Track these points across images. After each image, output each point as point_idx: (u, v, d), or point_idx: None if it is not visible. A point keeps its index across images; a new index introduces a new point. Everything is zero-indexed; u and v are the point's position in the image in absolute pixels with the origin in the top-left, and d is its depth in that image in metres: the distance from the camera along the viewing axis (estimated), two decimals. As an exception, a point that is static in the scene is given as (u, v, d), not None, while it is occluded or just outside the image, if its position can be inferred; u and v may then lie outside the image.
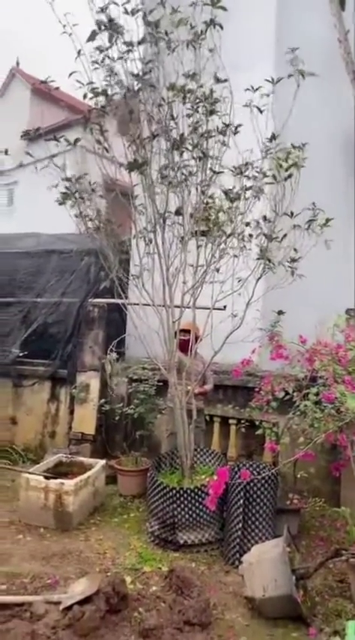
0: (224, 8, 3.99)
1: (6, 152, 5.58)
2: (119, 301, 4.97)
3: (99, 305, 6.45)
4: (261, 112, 4.20)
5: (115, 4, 4.01)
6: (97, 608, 2.90)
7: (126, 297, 4.85)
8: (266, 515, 3.93)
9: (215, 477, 3.39)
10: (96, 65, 4.15)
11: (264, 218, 4.44)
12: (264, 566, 3.16)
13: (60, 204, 4.58)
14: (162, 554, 4.01)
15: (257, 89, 4.16)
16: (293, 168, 4.16)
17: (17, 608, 3.01)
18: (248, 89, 4.19)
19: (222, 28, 4.12)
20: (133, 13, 4.10)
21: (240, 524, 3.87)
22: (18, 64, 16.82)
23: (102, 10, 3.99)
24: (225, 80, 4.21)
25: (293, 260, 4.42)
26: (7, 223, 13.57)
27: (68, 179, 4.49)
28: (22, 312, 7.29)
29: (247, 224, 4.51)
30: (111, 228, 4.75)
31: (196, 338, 4.75)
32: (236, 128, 4.33)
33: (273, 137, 4.33)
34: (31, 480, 4.59)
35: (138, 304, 4.69)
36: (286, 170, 4.18)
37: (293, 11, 6.15)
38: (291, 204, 4.29)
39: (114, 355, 4.83)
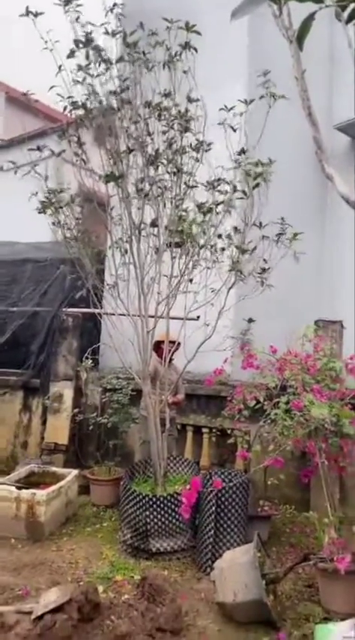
0: (198, 33, 4.15)
1: None
2: (94, 311, 5.01)
3: (73, 314, 6.45)
4: (235, 130, 4.35)
5: (94, 25, 4.13)
6: (69, 617, 2.90)
7: (102, 307, 4.89)
8: (238, 522, 4.00)
9: (188, 486, 3.45)
10: (77, 82, 4.25)
11: (235, 229, 4.58)
12: (235, 571, 3.22)
13: (39, 212, 4.62)
14: (134, 563, 4.02)
15: (231, 109, 4.31)
16: (260, 178, 4.31)
17: (-12, 619, 2.99)
18: (222, 109, 4.34)
19: (196, 51, 4.28)
20: (114, 34, 4.23)
21: (212, 532, 3.92)
22: (-9, 72, 16.71)
23: (86, 35, 4.11)
24: (197, 100, 4.38)
25: (264, 270, 4.55)
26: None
27: (51, 191, 4.53)
28: (-4, 322, 7.23)
29: (219, 236, 4.64)
30: (88, 237, 4.81)
31: (178, 346, 4.87)
32: (208, 145, 4.47)
33: (243, 151, 4.48)
34: (1, 490, 4.54)
35: (113, 314, 4.74)
36: (254, 179, 4.33)
37: (265, 36, 6.38)
38: (262, 216, 4.45)
39: (89, 362, 4.85)
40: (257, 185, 4.35)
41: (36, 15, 4.00)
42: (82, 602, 3.00)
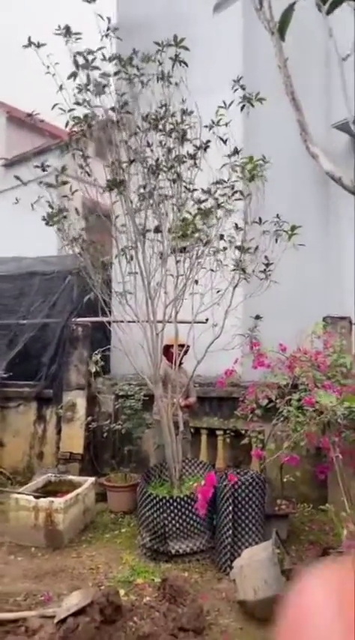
0: (186, 48, 4.29)
1: None
2: (103, 319, 5.07)
3: (83, 324, 6.52)
4: (225, 142, 4.45)
5: (92, 52, 4.30)
6: (92, 619, 2.92)
7: (111, 314, 4.96)
8: (256, 521, 4.00)
9: (203, 482, 3.48)
10: (78, 103, 4.42)
11: (236, 226, 4.63)
12: (254, 568, 3.23)
13: (46, 223, 4.72)
14: (154, 566, 4.03)
15: (218, 121, 4.45)
16: (255, 171, 4.36)
17: (12, 625, 3.02)
18: (212, 125, 4.49)
19: (187, 65, 4.45)
20: (111, 59, 4.41)
21: (230, 531, 3.93)
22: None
23: (86, 60, 4.26)
24: (192, 112, 4.52)
25: (267, 265, 4.59)
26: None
27: (60, 210, 4.65)
28: (8, 336, 7.32)
29: (221, 237, 4.69)
30: (94, 247, 4.90)
31: (187, 349, 4.91)
32: (206, 143, 4.57)
33: (236, 151, 4.55)
34: (20, 500, 4.58)
35: (122, 321, 4.81)
36: (250, 177, 4.38)
37: (258, 37, 6.48)
38: (264, 215, 4.50)
39: (98, 356, 4.91)
40: (251, 179, 4.39)
41: (38, 46, 4.16)
42: (103, 605, 3.02)
